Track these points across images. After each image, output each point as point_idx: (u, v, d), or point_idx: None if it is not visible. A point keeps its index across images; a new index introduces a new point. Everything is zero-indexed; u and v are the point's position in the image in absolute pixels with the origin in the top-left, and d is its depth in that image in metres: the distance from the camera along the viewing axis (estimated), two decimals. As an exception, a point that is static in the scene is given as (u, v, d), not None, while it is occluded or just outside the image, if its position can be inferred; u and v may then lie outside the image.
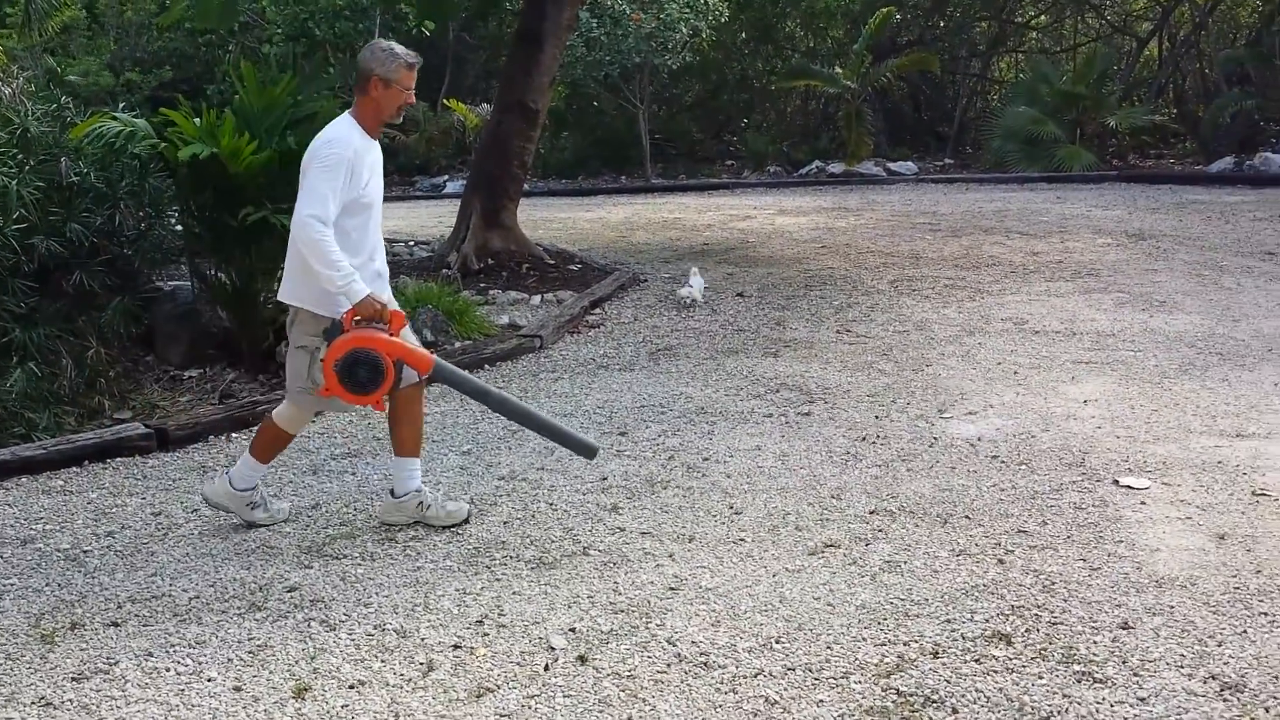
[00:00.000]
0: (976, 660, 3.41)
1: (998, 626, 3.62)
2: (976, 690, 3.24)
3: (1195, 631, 3.56)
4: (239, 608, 3.96)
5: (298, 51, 15.89)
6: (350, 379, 4.23)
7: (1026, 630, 3.60)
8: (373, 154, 4.42)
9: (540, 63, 10.40)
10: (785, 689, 3.28)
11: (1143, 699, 3.18)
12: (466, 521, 4.66)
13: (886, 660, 3.44)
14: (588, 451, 4.60)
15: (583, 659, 3.52)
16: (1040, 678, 3.30)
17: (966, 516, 4.58)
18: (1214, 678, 3.28)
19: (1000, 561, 4.13)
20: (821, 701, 3.21)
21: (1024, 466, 5.12)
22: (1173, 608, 3.73)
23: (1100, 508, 4.62)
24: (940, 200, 15.06)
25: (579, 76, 17.41)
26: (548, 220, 13.95)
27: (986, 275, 9.63)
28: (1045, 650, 3.46)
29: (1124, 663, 3.38)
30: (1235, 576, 3.94)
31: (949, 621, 3.67)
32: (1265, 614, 3.66)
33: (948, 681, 3.29)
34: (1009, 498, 4.74)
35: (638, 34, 16.47)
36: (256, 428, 4.93)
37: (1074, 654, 3.44)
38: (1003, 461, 5.19)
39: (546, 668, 3.48)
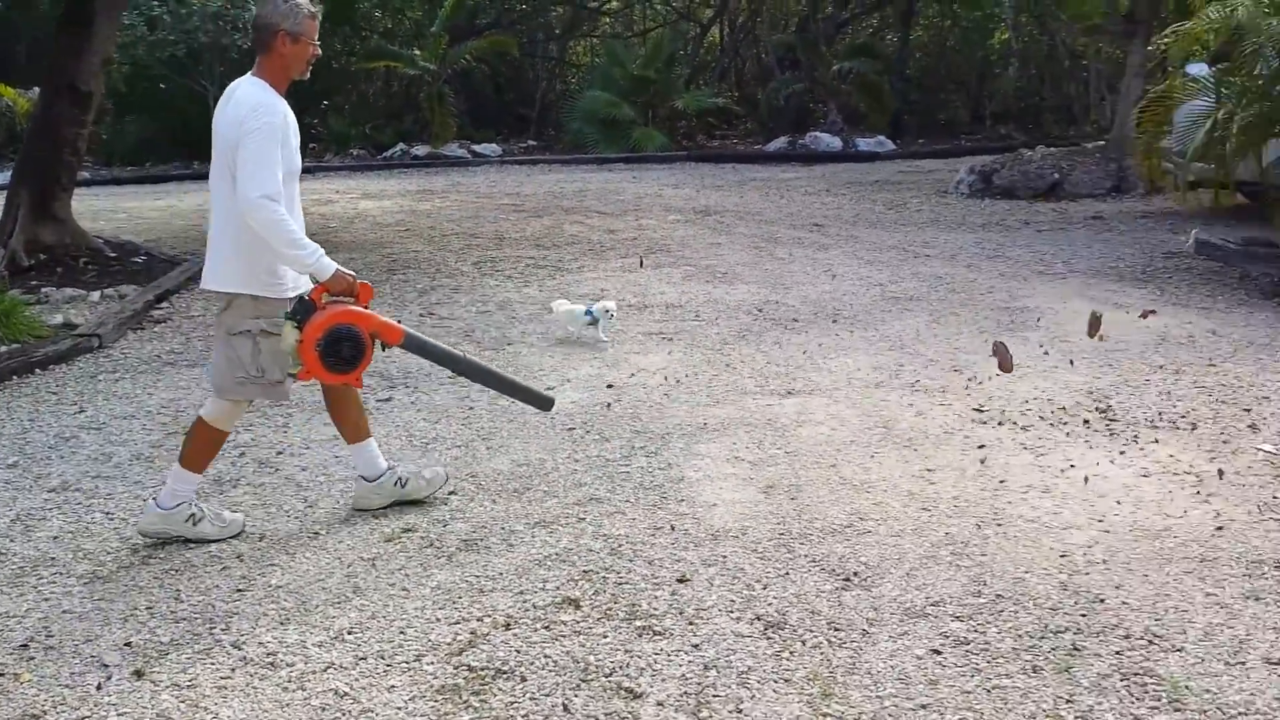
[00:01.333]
0: (547, 627, 3.51)
1: (568, 592, 3.74)
2: (545, 656, 3.34)
3: (744, 578, 3.83)
4: None
5: None
6: (335, 357, 4.07)
7: (594, 593, 3.74)
8: (291, 116, 4.10)
9: (90, 43, 9.66)
10: (356, 679, 3.24)
11: (696, 645, 3.39)
12: (446, 481, 4.63)
13: (459, 638, 3.46)
14: (546, 404, 4.68)
15: (139, 673, 3.31)
16: (605, 637, 3.44)
17: (543, 489, 4.69)
18: (759, 618, 3.55)
19: (573, 530, 4.26)
20: (393, 687, 3.20)
21: (598, 436, 5.31)
22: (725, 557, 3.99)
23: (665, 470, 4.87)
24: (524, 181, 15.35)
25: (141, 57, 16.33)
26: (111, 210, 13.03)
27: (567, 254, 9.91)
28: (610, 610, 3.61)
29: (681, 614, 3.59)
30: (781, 524, 4.28)
31: (522, 593, 3.75)
32: (805, 555, 3.99)
33: (518, 652, 3.37)
34: (583, 467, 4.90)
35: (203, 13, 15.64)
36: (185, 438, 4.39)
37: (637, 611, 3.61)
38: (578, 433, 5.36)
39: (99, 687, 3.26)
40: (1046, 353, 6.50)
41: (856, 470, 4.81)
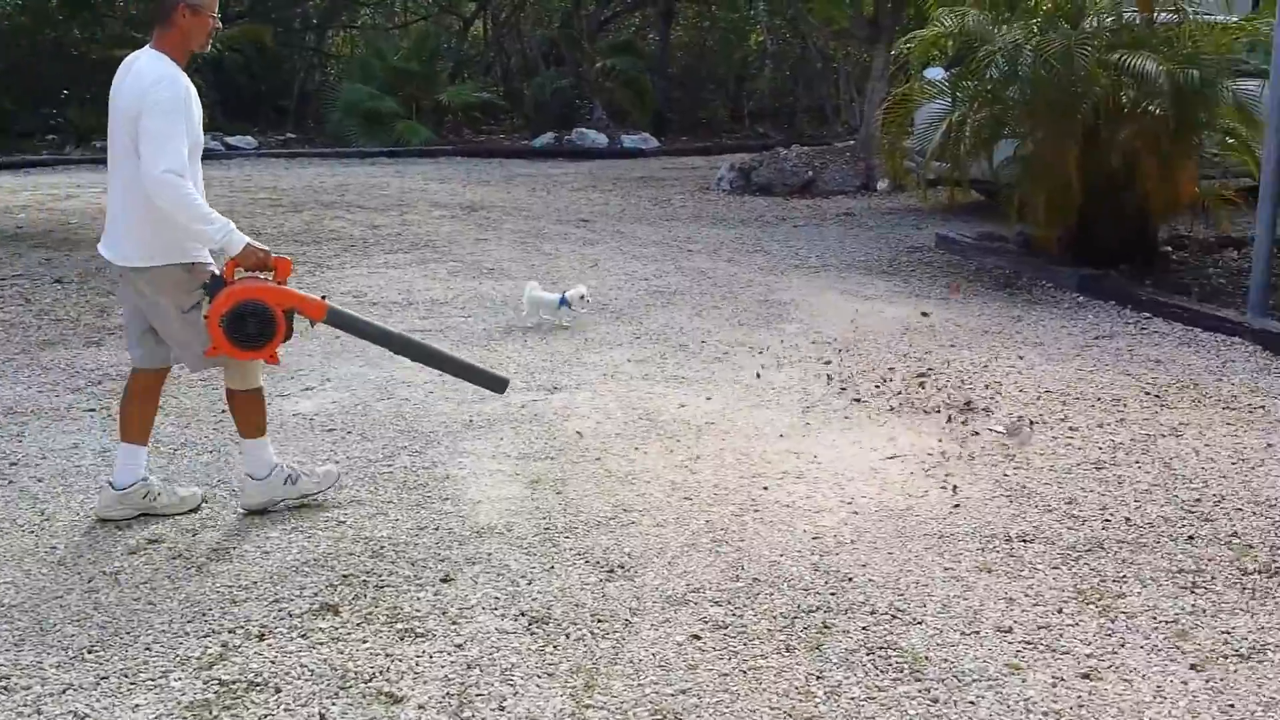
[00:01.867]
0: (303, 635, 3.42)
1: (326, 598, 3.65)
2: (302, 665, 3.24)
3: (509, 574, 3.83)
4: None
5: None
6: (239, 333, 3.97)
7: (354, 598, 3.66)
8: (193, 89, 4.01)
9: None
10: (97, 700, 3.07)
11: (459, 645, 3.36)
12: (198, 508, 4.37)
13: (210, 652, 3.33)
14: (499, 385, 4.60)
15: None
16: (365, 642, 3.38)
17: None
18: (524, 614, 3.55)
19: (332, 534, 4.16)
20: (138, 706, 3.05)
21: (359, 436, 5.20)
22: (490, 555, 3.98)
23: (429, 469, 4.81)
24: (282, 175, 14.88)
25: None
26: None
27: (328, 250, 9.67)
28: (371, 614, 3.55)
29: (444, 614, 3.55)
30: (546, 518, 4.29)
31: (277, 601, 3.64)
32: (570, 549, 4.02)
33: (273, 662, 3.26)
34: (344, 469, 4.78)
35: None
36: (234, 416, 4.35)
37: (399, 613, 3.55)
38: (339, 433, 5.24)
39: None
40: (807, 343, 6.75)
41: (621, 462, 4.88)
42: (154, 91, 3.88)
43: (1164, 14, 8.17)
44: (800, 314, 7.51)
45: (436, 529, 4.21)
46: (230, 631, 3.45)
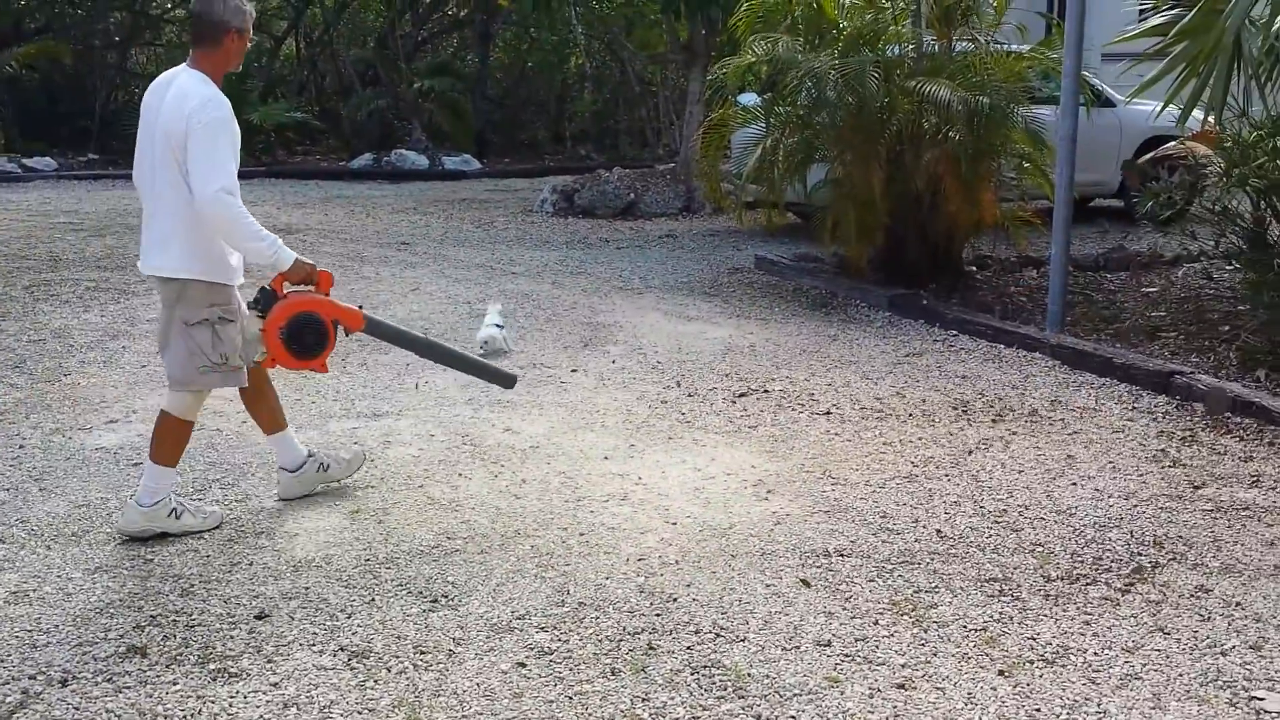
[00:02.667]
0: (109, 680, 3.26)
1: (133, 640, 3.49)
2: (108, 711, 3.09)
3: (328, 608, 3.73)
4: None
5: None
6: (299, 344, 4.20)
7: (164, 638, 3.51)
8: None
9: None
10: (-123, 762, 2.87)
11: (275, 684, 3.26)
12: (364, 461, 4.84)
13: (9, 700, 3.15)
14: (509, 382, 4.95)
15: None
16: (175, 684, 3.24)
17: (106, 532, 4.36)
18: (343, 649, 3.46)
19: (140, 573, 3.98)
20: (-76, 766, 2.86)
21: (168, 470, 4.99)
22: (308, 589, 3.87)
23: (243, 502, 4.67)
24: (83, 198, 14.23)
25: None
26: None
27: (133, 276, 9.26)
28: (181, 655, 3.41)
29: (259, 651, 3.44)
30: (367, 549, 4.20)
31: (81, 645, 3.46)
32: (392, 579, 3.94)
33: (76, 709, 3.10)
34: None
35: None
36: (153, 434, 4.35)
37: (211, 653, 3.42)
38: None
39: None
40: (632, 364, 6.79)
41: (445, 489, 4.81)
42: (203, 113, 4.00)
43: (961, 43, 8.54)
44: (624, 336, 7.56)
45: (251, 564, 4.07)
46: (31, 678, 3.26)
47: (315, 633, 3.56)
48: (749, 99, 9.56)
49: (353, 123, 19.28)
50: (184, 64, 4.22)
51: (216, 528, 4.35)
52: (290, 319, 4.22)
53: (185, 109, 4.02)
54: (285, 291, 4.26)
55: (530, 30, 20.55)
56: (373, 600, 3.79)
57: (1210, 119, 6.67)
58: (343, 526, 4.41)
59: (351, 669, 3.35)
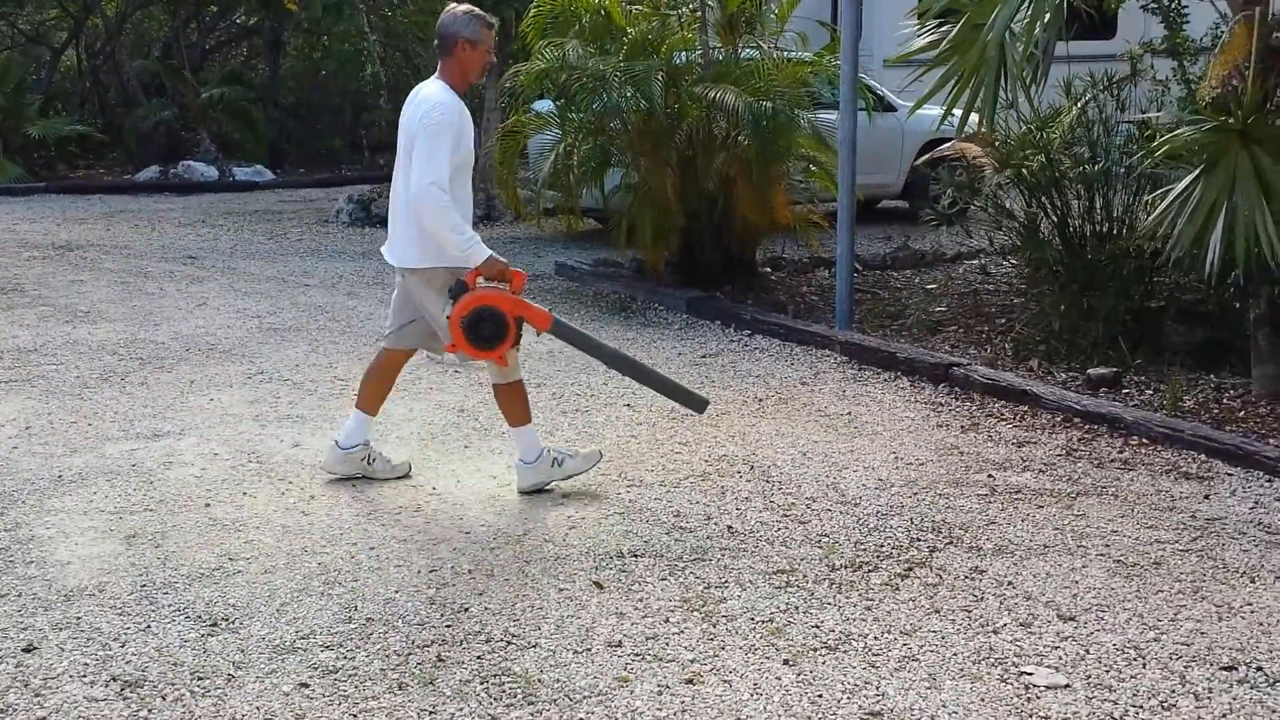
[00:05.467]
0: None
1: (-120, 687, 3.26)
2: None
3: (101, 637, 3.56)
4: None
5: None
6: (475, 334, 4.48)
7: (-85, 682, 3.29)
8: (468, 114, 4.63)
9: None
10: None
11: (43, 718, 3.09)
12: (408, 475, 4.97)
13: None
14: (700, 405, 5.03)
15: None
16: (-74, 730, 3.04)
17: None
18: (116, 679, 3.31)
19: (-110, 613, 3.72)
20: None
21: (-74, 503, 4.69)
22: (80, 618, 3.69)
23: (12, 531, 4.42)
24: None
25: None
26: None
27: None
28: (-66, 699, 3.20)
29: (26, 685, 3.26)
30: (144, 574, 4.03)
31: None
32: (169, 605, 3.79)
33: None
34: (-95, 540, 4.31)
35: None
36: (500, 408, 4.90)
37: (-32, 694, 3.22)
38: (-99, 501, 4.71)
39: None
40: (429, 374, 6.70)
41: (228, 509, 4.66)
42: (429, 115, 4.51)
43: (747, 50, 8.73)
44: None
45: (19, 595, 3.86)
46: None
47: (86, 663, 3.40)
48: (544, 105, 9.55)
49: (138, 135, 18.46)
50: (434, 75, 4.72)
51: (595, 465, 4.92)
52: (472, 310, 4.48)
53: (419, 112, 4.55)
54: (476, 285, 4.55)
55: (323, 38, 20.10)
56: (148, 627, 3.63)
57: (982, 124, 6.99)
58: (118, 552, 4.22)
59: (124, 699, 3.20)
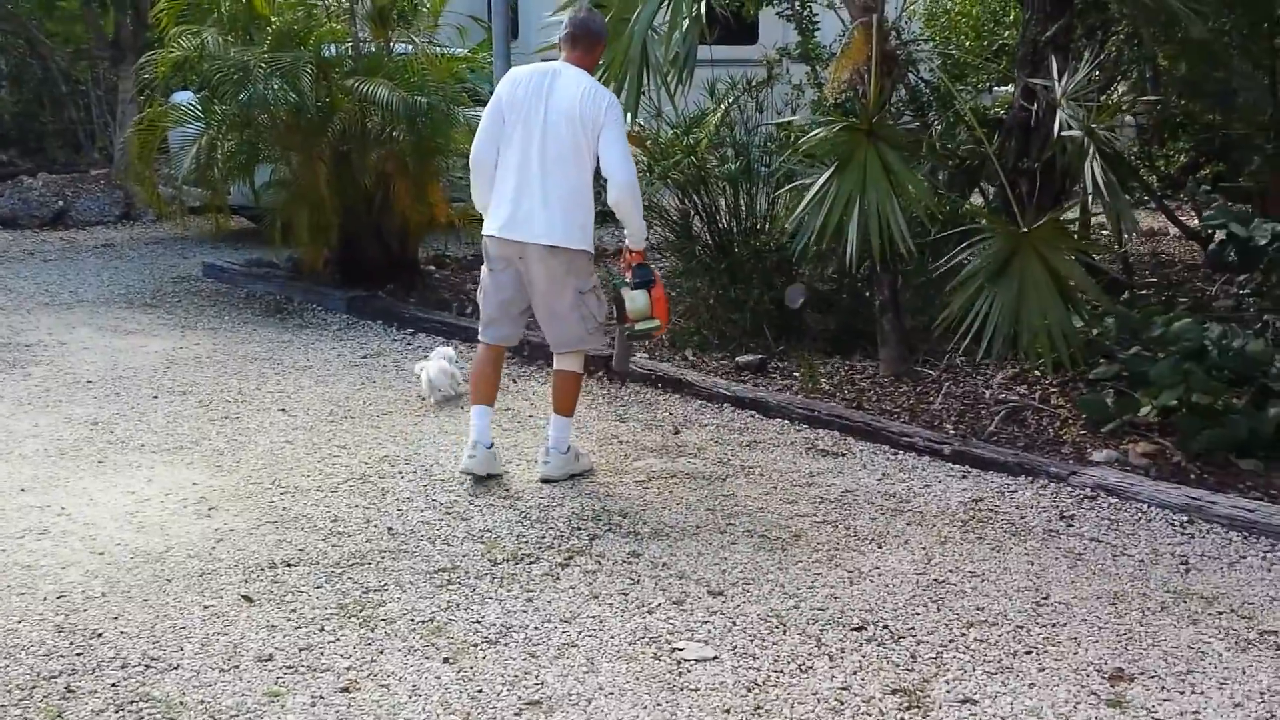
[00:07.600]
0: None
1: None
2: None
3: None
4: None
5: None
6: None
7: None
8: None
9: None
10: None
11: None
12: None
13: None
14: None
15: None
16: None
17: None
18: None
19: None
20: None
21: None
22: None
23: None
24: None
25: None
26: None
27: None
28: None
29: None
30: None
31: None
32: None
33: None
34: None
35: None
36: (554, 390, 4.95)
37: None
38: None
39: None
40: (58, 386, 6.19)
41: None
42: (615, 108, 4.70)
43: (400, 44, 8.59)
44: (49, 355, 6.89)
45: None
46: None
47: None
48: (184, 96, 9.02)
49: None
50: (555, 62, 4.76)
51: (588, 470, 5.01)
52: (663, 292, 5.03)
53: (601, 101, 4.63)
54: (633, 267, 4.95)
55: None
56: None
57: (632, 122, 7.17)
58: None
59: None
